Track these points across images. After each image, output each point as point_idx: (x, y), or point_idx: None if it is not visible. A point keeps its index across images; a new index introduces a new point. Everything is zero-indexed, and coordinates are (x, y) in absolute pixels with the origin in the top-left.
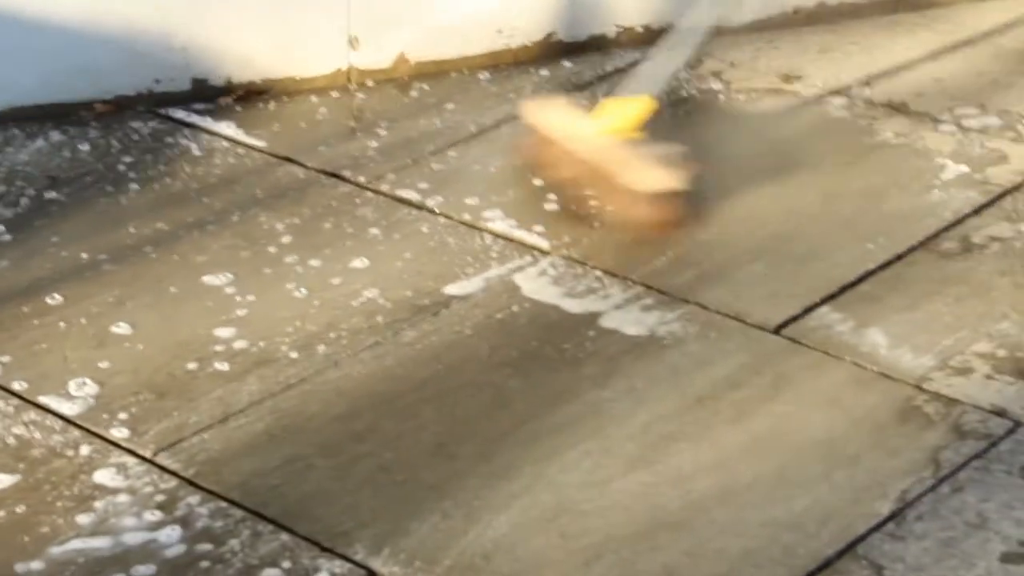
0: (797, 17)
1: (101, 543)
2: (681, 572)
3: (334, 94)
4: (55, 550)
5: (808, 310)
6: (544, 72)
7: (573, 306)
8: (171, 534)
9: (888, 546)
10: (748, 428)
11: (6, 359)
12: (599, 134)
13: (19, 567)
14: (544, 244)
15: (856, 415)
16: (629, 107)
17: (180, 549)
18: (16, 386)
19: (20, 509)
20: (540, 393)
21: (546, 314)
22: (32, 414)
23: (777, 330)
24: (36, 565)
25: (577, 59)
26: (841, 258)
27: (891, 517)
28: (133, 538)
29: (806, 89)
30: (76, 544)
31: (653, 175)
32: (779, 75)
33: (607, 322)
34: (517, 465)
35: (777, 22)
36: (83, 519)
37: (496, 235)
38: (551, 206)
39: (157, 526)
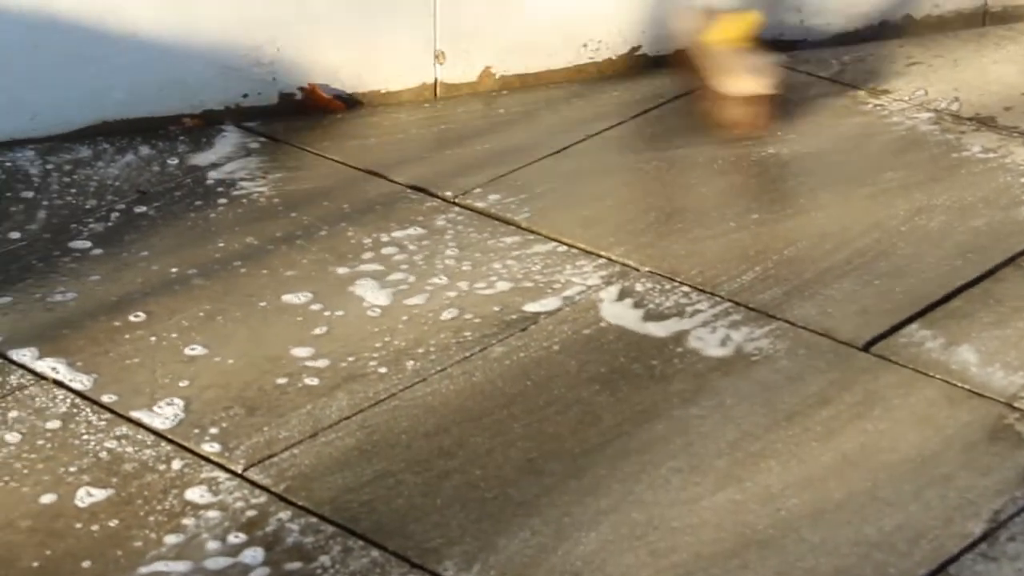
0: (883, 30)
1: (183, 567)
2: None
3: (420, 108)
4: (143, 570)
5: (897, 327)
6: (629, 87)
7: (660, 322)
8: (255, 555)
9: (980, 567)
10: (838, 446)
11: (97, 373)
12: (713, 42)
13: None
14: (632, 260)
15: (947, 433)
16: (739, 21)
17: (264, 572)
18: (107, 399)
19: (114, 523)
20: (628, 410)
21: (633, 330)
22: (124, 428)
23: (866, 347)
24: None
25: (663, 74)
26: (929, 274)
27: (983, 537)
28: (215, 563)
29: (892, 103)
30: (159, 566)
31: (747, 80)
32: (866, 88)
33: (695, 338)
34: (606, 482)
35: (863, 35)
36: (172, 538)
37: (583, 250)
38: (638, 221)
39: (240, 548)
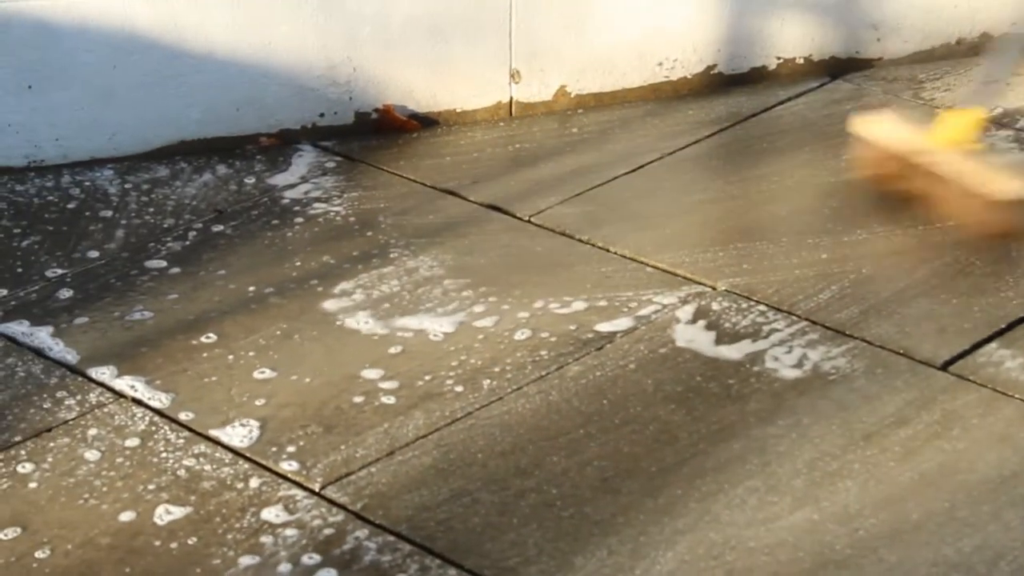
0: (960, 48)
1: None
2: None
3: (495, 127)
4: None
5: (976, 346)
6: (704, 105)
7: (736, 342)
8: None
9: None
10: (916, 466)
11: (175, 391)
12: (941, 146)
13: None
14: (707, 279)
15: None
16: (965, 119)
17: None
18: (184, 418)
19: (192, 541)
20: (705, 429)
21: (709, 350)
22: (202, 446)
23: (945, 366)
24: None
25: (738, 92)
26: (1009, 294)
27: None
28: None
29: None
30: None
31: (1009, 183)
32: (942, 106)
33: (771, 357)
34: (682, 501)
35: (939, 53)
36: (248, 558)
37: (659, 269)
38: (714, 240)
39: (315, 569)
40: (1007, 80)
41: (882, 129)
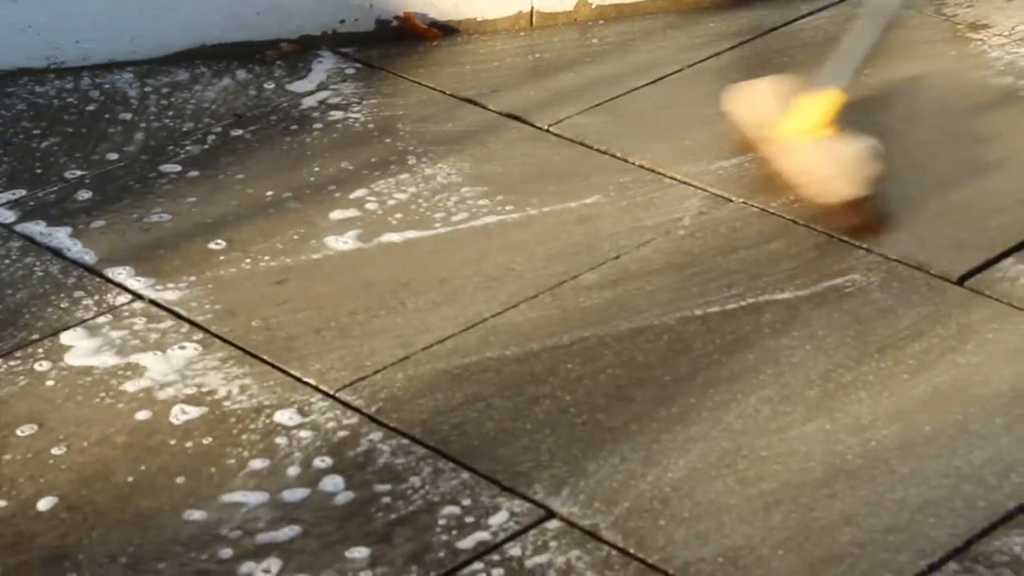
0: None
1: (274, 485)
2: (859, 521)
3: (515, 36)
4: (225, 498)
5: (992, 262)
6: (726, 18)
7: (752, 252)
8: (336, 482)
9: None
10: (930, 379)
11: (191, 293)
12: (789, 134)
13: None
14: (725, 190)
15: None
16: (818, 103)
17: (348, 496)
18: (200, 319)
19: (207, 441)
20: (719, 339)
21: (725, 259)
22: (217, 348)
23: (960, 281)
24: (198, 514)
25: (760, 5)
26: None
27: None
28: (292, 495)
29: (993, 38)
30: (238, 497)
31: (840, 183)
32: (965, 23)
33: (787, 267)
34: (695, 410)
35: None
36: (260, 461)
37: (676, 179)
38: (731, 151)
39: (325, 473)
40: (868, 57)
41: (747, 106)
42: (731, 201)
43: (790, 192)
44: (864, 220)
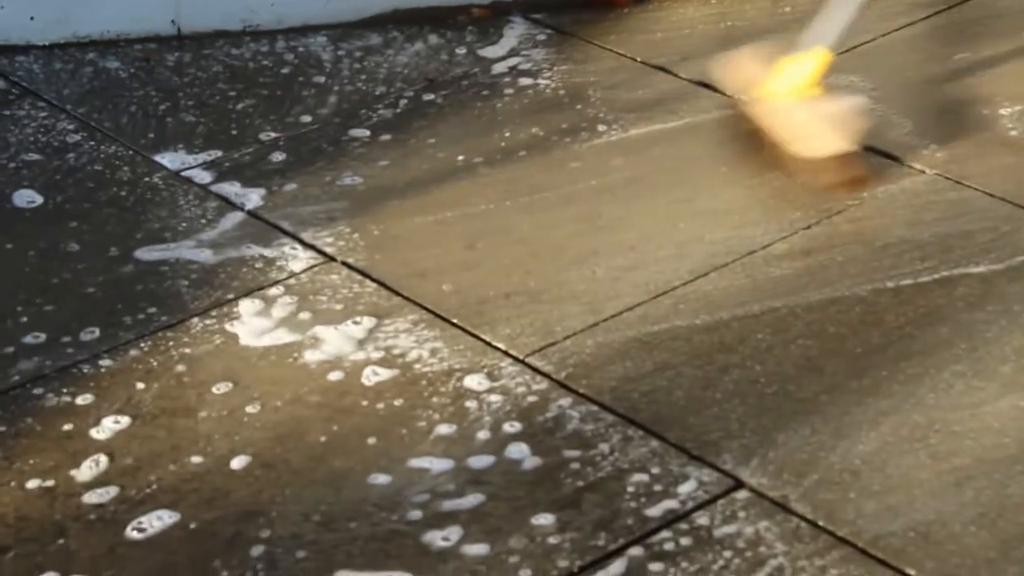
0: None
1: (462, 450)
2: None
3: (707, 4)
4: (413, 461)
5: None
6: None
7: (945, 224)
8: (522, 450)
9: None
10: None
11: (383, 256)
12: (776, 95)
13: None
14: (919, 162)
15: None
16: (804, 63)
17: (535, 462)
18: (391, 284)
19: (398, 403)
20: (912, 312)
21: (918, 231)
22: (408, 311)
23: None
24: (388, 476)
25: None
26: None
27: None
28: (479, 459)
29: None
30: (426, 461)
31: (826, 140)
32: None
33: (981, 240)
34: (887, 383)
35: None
36: (448, 424)
37: (870, 149)
38: (925, 120)
39: (515, 436)
40: (856, 15)
41: (736, 70)
42: (923, 173)
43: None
44: (852, 175)
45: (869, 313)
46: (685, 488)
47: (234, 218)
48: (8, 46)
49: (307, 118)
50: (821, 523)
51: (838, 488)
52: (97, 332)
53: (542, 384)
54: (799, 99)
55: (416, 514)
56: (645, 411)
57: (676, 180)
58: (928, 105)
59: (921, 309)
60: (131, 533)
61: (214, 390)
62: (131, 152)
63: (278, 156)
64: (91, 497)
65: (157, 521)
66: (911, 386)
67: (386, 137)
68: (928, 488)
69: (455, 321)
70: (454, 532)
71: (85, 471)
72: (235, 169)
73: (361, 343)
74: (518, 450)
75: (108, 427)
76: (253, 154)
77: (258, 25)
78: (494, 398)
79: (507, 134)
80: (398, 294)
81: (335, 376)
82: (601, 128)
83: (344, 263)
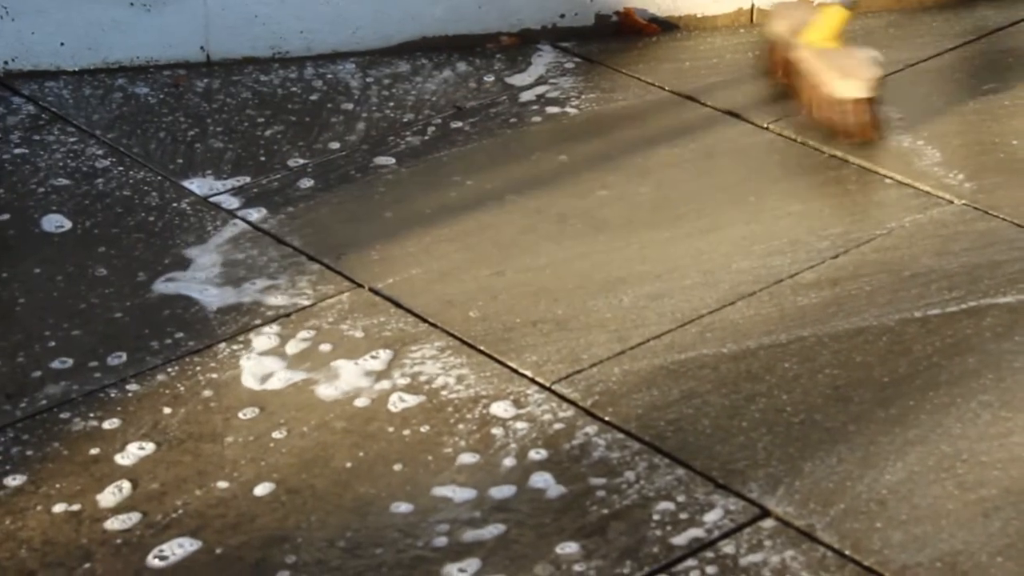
0: None
1: (488, 476)
2: None
3: (735, 33)
4: (437, 488)
5: None
6: (949, 17)
7: (972, 254)
8: (545, 480)
9: None
10: None
11: (417, 283)
12: (803, 43)
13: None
14: (948, 192)
15: None
16: (829, 18)
17: (560, 490)
18: (419, 310)
19: (424, 429)
20: (939, 342)
21: (945, 261)
22: (434, 337)
23: None
24: (414, 502)
25: (984, 5)
26: None
27: None
28: (503, 488)
29: None
30: (450, 488)
31: (846, 84)
32: None
33: (1010, 270)
34: (914, 413)
35: None
36: (471, 454)
37: (897, 180)
38: (952, 151)
39: (541, 464)
40: None
41: (778, 24)
42: (951, 203)
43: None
44: (866, 120)
45: (896, 343)
46: (711, 516)
47: (262, 244)
48: (38, 72)
49: (335, 145)
50: (847, 553)
51: (865, 518)
52: (124, 357)
53: (568, 412)
54: (823, 49)
55: (441, 541)
56: (671, 439)
57: (703, 208)
58: (957, 135)
59: (948, 339)
60: (153, 561)
61: (240, 415)
62: (159, 177)
63: (306, 182)
64: (114, 523)
65: (179, 548)
66: (938, 416)
67: (414, 164)
68: (955, 518)
69: (482, 348)
70: (477, 559)
71: (108, 496)
72: (263, 195)
73: (387, 370)
74: (543, 479)
75: (133, 453)
76: (281, 180)
77: (287, 52)
78: (520, 425)
79: (534, 161)
80: (425, 321)
81: (361, 402)
82: (628, 156)
83: (371, 289)
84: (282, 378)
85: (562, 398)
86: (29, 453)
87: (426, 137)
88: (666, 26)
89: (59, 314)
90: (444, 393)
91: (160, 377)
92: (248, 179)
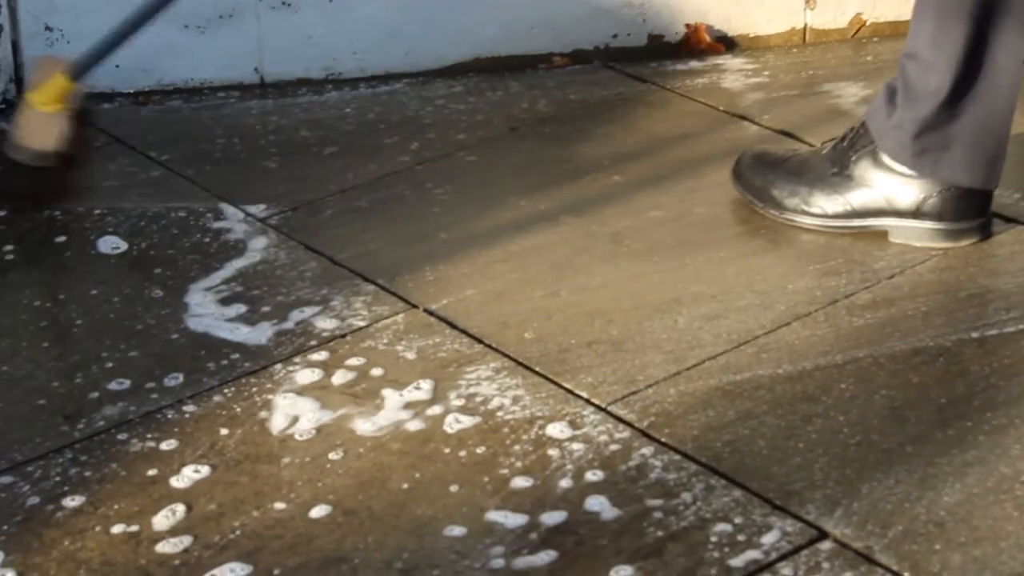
0: None
1: (544, 497)
2: None
3: (788, 53)
4: (493, 512)
5: None
6: None
7: (1010, 279)
8: (602, 502)
9: None
10: None
11: (460, 306)
12: (31, 104)
13: (447, 529)
14: (1004, 211)
15: None
16: (55, 81)
17: (616, 512)
18: (472, 331)
19: (480, 450)
20: (997, 362)
21: (1003, 281)
22: (489, 359)
23: None
24: (470, 524)
25: None
26: None
27: None
28: (557, 513)
29: None
30: (507, 509)
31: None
32: None
33: None
34: (972, 434)
35: None
36: (529, 477)
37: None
38: (1008, 175)
39: (598, 485)
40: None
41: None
42: (1008, 222)
43: None
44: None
45: (953, 363)
46: (768, 538)
47: (317, 265)
48: (94, 94)
49: (389, 166)
50: (906, 575)
51: (923, 539)
52: (181, 378)
53: (624, 433)
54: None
55: (499, 563)
56: (728, 460)
57: (757, 229)
58: (1012, 155)
59: (1006, 359)
60: None
61: (297, 436)
62: (214, 199)
63: (360, 203)
64: (165, 547)
65: (239, 569)
66: (997, 437)
67: (467, 185)
68: (1015, 540)
69: (537, 369)
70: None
71: (162, 520)
72: (317, 216)
73: (443, 391)
74: (598, 501)
75: (188, 475)
76: (335, 201)
77: (340, 73)
78: (576, 446)
79: (588, 182)
80: (480, 342)
81: (417, 424)
82: (682, 176)
83: (426, 310)
84: (338, 399)
85: (618, 419)
86: (87, 474)
87: (480, 157)
88: (729, 45)
89: (116, 335)
90: (500, 414)
91: (216, 398)
92: (303, 200)
